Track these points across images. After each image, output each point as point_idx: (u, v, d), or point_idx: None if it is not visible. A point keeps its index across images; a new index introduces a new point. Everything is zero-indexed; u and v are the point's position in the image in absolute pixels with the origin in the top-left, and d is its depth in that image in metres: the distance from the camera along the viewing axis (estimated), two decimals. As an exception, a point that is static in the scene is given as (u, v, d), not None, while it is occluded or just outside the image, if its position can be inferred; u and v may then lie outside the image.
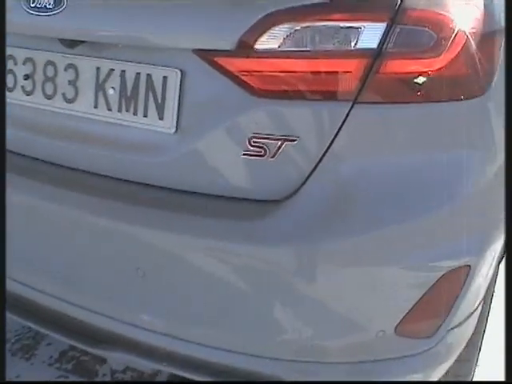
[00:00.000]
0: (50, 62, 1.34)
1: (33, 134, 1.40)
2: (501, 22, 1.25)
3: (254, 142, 1.14)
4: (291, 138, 1.13)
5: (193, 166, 1.21)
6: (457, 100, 1.13)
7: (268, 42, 1.10)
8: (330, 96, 1.11)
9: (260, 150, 1.14)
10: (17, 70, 1.39)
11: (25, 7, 1.29)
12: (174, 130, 1.21)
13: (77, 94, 1.32)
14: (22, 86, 1.39)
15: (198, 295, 1.21)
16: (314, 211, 1.14)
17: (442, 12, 1.11)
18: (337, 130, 1.11)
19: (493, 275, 1.37)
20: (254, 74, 1.12)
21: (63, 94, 1.33)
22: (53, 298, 1.37)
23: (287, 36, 1.09)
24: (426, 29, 1.10)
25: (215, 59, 1.13)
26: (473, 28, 1.14)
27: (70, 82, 1.32)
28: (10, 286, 1.37)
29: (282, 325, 1.19)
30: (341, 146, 1.12)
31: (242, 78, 1.12)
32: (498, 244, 1.31)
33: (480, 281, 1.28)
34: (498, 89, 1.20)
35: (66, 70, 1.32)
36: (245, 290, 1.18)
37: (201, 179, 1.21)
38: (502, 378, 1.30)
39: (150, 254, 1.21)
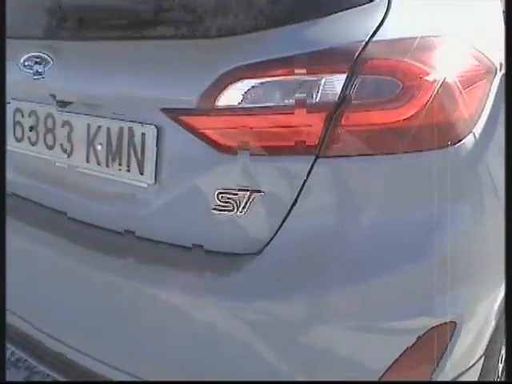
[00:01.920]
0: (49, 115, 1.41)
1: (38, 182, 1.48)
2: (487, 65, 1.19)
3: (221, 197, 1.14)
4: (257, 194, 1.12)
5: (169, 218, 1.23)
6: (427, 150, 1.08)
7: (228, 98, 1.10)
8: (293, 151, 1.09)
9: (228, 204, 1.14)
10: (23, 121, 1.48)
11: (20, 66, 1.37)
12: (152, 184, 1.24)
13: (72, 147, 1.38)
14: (28, 137, 1.47)
15: (178, 348, 1.22)
16: (284, 265, 1.12)
17: (407, 60, 1.06)
18: (301, 184, 1.09)
19: (496, 327, 1.28)
20: (217, 130, 1.12)
21: (61, 145, 1.40)
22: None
23: (246, 92, 1.09)
24: (390, 78, 1.06)
25: (180, 117, 1.15)
26: (446, 75, 1.09)
27: (66, 136, 1.39)
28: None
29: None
30: (307, 201, 1.10)
31: (206, 134, 1.13)
32: (495, 295, 1.22)
33: (473, 336, 1.20)
34: (483, 136, 1.14)
35: (62, 126, 1.39)
36: (226, 346, 1.18)
37: (177, 232, 1.23)
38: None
39: (124, 302, 1.24)
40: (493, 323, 1.27)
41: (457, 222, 1.12)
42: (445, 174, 1.09)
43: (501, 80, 1.25)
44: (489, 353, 1.28)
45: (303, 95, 1.07)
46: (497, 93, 1.23)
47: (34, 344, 1.46)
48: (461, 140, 1.11)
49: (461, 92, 1.11)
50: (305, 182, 1.09)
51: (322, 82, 1.06)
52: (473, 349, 1.23)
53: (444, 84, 1.08)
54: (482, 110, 1.17)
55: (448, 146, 1.09)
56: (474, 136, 1.13)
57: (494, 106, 1.21)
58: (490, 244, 1.21)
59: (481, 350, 1.25)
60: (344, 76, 1.05)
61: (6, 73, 1.44)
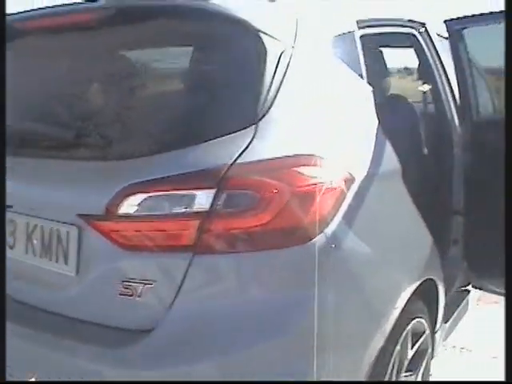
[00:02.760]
0: None
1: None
2: (344, 176, 1.49)
3: (125, 285, 1.43)
4: (150, 282, 1.40)
5: (86, 301, 1.51)
6: (283, 248, 1.37)
7: (126, 208, 1.41)
8: (175, 249, 1.39)
9: (130, 291, 1.42)
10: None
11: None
12: (75, 273, 1.53)
13: (15, 242, 1.67)
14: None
15: None
16: (172, 340, 1.40)
17: (263, 178, 1.37)
18: (183, 275, 1.37)
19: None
20: (119, 232, 1.42)
21: (7, 242, 1.69)
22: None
23: (140, 203, 1.40)
24: (249, 192, 1.36)
25: (92, 221, 1.45)
26: (298, 187, 1.39)
27: (10, 233, 1.68)
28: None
29: None
30: (189, 288, 1.38)
31: (111, 235, 1.43)
32: (357, 365, 1.49)
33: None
34: (336, 235, 1.43)
35: (8, 223, 1.69)
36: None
37: (92, 311, 1.50)
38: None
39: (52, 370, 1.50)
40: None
41: (313, 304, 1.39)
42: (298, 266, 1.38)
43: (359, 186, 1.54)
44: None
45: (182, 206, 1.38)
46: (354, 197, 1.52)
47: None
48: (311, 239, 1.39)
49: (313, 200, 1.40)
50: (186, 273, 1.37)
51: (197, 195, 1.37)
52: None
53: (296, 195, 1.38)
54: (335, 214, 1.45)
55: (299, 244, 1.38)
56: (326, 236, 1.42)
57: (349, 208, 1.50)
58: (348, 320, 1.48)
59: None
60: (213, 191, 1.36)
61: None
